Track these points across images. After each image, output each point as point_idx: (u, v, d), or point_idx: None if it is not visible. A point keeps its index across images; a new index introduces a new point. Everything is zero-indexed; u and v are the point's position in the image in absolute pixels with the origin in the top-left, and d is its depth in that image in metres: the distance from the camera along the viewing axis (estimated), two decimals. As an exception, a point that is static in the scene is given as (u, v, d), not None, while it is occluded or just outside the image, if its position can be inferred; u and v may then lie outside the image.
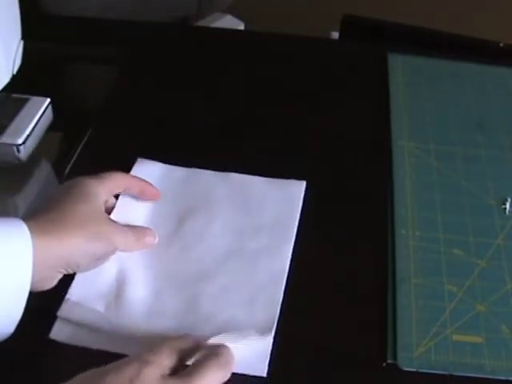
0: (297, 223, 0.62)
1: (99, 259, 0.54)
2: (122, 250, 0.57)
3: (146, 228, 0.60)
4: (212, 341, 0.50)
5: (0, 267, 0.46)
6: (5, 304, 0.47)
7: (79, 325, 0.53)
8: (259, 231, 0.61)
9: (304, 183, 0.66)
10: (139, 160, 0.67)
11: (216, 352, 0.48)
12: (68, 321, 0.53)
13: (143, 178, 0.64)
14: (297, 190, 0.66)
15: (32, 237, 0.48)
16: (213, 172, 0.67)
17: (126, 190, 0.61)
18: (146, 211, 0.62)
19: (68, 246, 0.51)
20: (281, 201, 0.64)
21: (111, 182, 0.58)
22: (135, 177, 0.63)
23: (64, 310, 0.53)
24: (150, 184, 0.63)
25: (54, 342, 0.52)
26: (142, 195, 0.62)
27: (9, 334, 0.48)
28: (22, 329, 0.53)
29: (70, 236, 0.51)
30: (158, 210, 0.63)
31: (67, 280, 0.55)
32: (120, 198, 0.62)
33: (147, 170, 0.66)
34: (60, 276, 0.53)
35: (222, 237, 0.61)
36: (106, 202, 0.58)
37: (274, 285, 0.57)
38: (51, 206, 0.53)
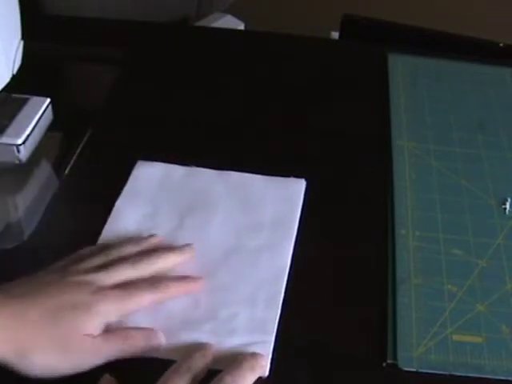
0: (297, 221, 0.63)
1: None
2: None
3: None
4: (215, 345, 0.51)
5: None
6: None
7: None
8: (260, 229, 0.61)
9: (303, 181, 0.66)
10: (139, 162, 0.67)
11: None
12: None
13: (143, 181, 0.65)
14: (297, 187, 0.66)
15: None
16: (213, 171, 0.67)
17: None
18: (147, 210, 0.63)
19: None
20: (281, 199, 0.64)
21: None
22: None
23: None
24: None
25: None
26: None
27: None
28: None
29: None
30: (158, 208, 0.63)
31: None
32: (119, 199, 0.63)
33: (147, 172, 0.66)
34: None
35: (222, 235, 0.61)
36: None
37: (274, 283, 0.57)
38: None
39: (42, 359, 0.47)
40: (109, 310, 0.50)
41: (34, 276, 0.51)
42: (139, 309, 0.52)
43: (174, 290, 0.54)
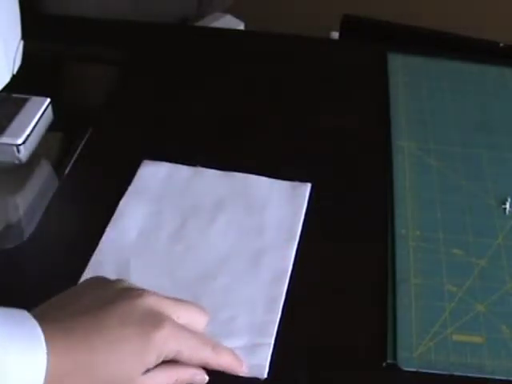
0: (300, 225, 0.62)
1: None
2: None
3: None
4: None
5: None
6: None
7: None
8: (262, 231, 0.61)
9: (309, 185, 0.66)
10: (144, 162, 0.68)
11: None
12: None
13: (149, 180, 0.65)
14: (302, 192, 0.66)
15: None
16: (217, 171, 0.67)
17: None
18: (151, 209, 0.63)
19: None
20: (285, 202, 0.64)
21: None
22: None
23: None
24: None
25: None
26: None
27: None
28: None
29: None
30: (162, 209, 0.63)
31: (68, 284, 0.55)
32: (124, 197, 0.63)
33: (152, 171, 0.67)
34: None
35: (225, 236, 0.61)
36: None
37: (275, 285, 0.57)
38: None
39: None
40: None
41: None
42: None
43: (227, 358, 0.50)
